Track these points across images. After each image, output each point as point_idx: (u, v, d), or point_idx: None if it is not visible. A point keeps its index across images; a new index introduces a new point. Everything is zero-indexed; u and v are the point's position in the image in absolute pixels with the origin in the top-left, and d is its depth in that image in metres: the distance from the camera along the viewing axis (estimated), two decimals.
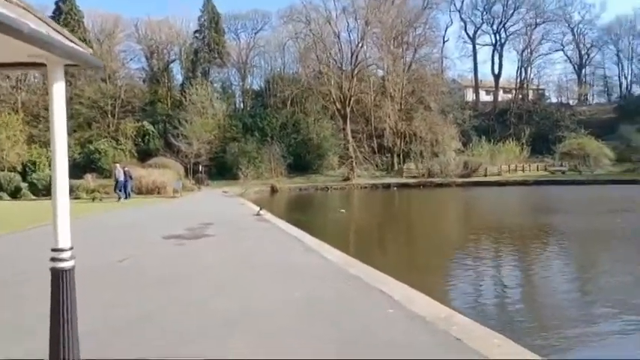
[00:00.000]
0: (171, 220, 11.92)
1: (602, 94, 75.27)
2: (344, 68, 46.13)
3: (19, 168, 37.40)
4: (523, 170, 45.52)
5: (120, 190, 20.07)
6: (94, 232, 9.73)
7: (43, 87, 48.07)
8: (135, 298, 4.36)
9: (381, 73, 50.51)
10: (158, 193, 23.27)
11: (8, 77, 43.52)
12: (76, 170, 38.38)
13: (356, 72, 45.42)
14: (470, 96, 71.43)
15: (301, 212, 19.41)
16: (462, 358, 2.94)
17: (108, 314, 3.86)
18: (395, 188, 36.62)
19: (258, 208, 13.00)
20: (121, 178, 20.26)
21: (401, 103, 47.29)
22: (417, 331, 3.45)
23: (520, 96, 67.60)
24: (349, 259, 6.04)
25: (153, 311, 3.94)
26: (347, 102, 44.90)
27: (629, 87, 68.20)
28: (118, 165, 21.37)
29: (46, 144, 43.96)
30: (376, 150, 49.55)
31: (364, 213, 20.19)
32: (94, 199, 20.17)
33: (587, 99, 73.16)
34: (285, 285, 4.76)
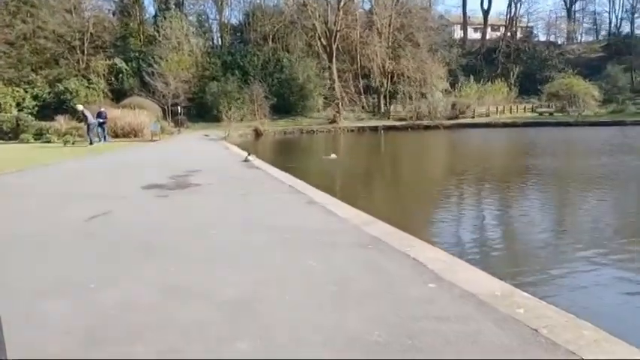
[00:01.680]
0: (151, 167, 10.86)
1: (590, 32, 73.92)
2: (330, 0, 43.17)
3: None
4: (511, 111, 44.95)
5: (89, 134, 18.47)
6: (60, 183, 8.67)
7: (2, 19, 44.04)
8: (100, 274, 3.44)
9: (368, 6, 47.73)
10: (134, 136, 21.79)
11: None
12: (47, 111, 36.07)
13: (342, 4, 42.57)
14: (457, 33, 69.33)
15: (290, 157, 18.48)
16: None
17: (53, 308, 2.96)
18: (382, 131, 35.72)
19: (247, 154, 11.98)
20: (92, 120, 18.61)
21: (389, 39, 45.02)
22: (478, 318, 2.68)
23: (509, 34, 65.79)
24: (363, 216, 5.21)
25: (118, 301, 3.05)
26: (333, 38, 42.50)
27: (618, 24, 66.77)
28: (80, 106, 19.41)
29: (11, 82, 41.04)
30: (362, 91, 47.95)
31: (355, 158, 19.26)
32: (65, 142, 18.68)
33: (575, 37, 71.81)
34: (296, 252, 3.92)
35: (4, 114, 25.90)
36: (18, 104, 39.58)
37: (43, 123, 23.99)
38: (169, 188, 7.57)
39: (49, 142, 19.68)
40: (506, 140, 26.75)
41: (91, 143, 17.91)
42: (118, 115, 22.67)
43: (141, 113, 23.68)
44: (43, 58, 44.39)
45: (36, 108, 39.91)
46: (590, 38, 71.93)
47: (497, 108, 44.16)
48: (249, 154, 11.89)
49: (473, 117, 41.86)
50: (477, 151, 20.76)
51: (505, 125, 36.51)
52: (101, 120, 19.55)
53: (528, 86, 55.90)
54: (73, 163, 12.16)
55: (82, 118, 18.56)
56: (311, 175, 10.96)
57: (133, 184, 7.95)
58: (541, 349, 2.35)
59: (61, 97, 40.56)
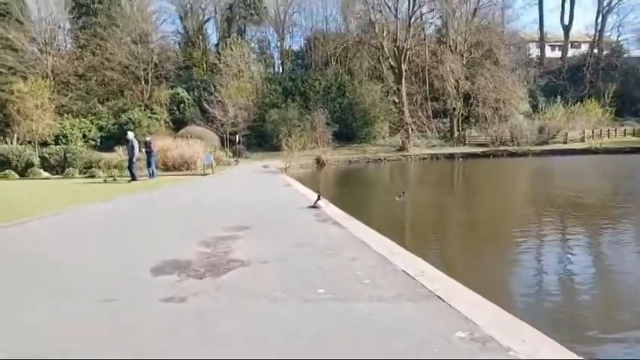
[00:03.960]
0: (184, 219, 7.84)
1: None
2: (399, 16, 39.67)
3: (51, 140, 35.18)
4: (609, 135, 38.73)
5: (132, 168, 16.11)
6: (26, 250, 5.77)
7: (73, 51, 45.42)
8: None
9: (439, 22, 43.91)
10: (187, 168, 19.46)
11: (34, 39, 40.81)
12: (111, 142, 35.48)
13: (413, 20, 39.08)
14: (533, 52, 63.91)
15: (362, 195, 15.09)
16: None
17: None
18: (460, 159, 31.44)
19: (316, 197, 8.72)
20: (136, 153, 16.25)
21: (465, 56, 40.64)
22: None
23: (595, 50, 59.27)
24: None
25: None
26: (403, 57, 38.98)
27: None
28: (130, 133, 17.20)
29: (79, 113, 41.56)
30: (430, 115, 43.97)
31: (440, 197, 15.33)
32: (105, 179, 16.56)
33: None
34: None
35: (51, 146, 24.83)
36: (84, 135, 39.86)
37: (95, 154, 22.56)
38: (195, 274, 4.37)
39: (93, 176, 17.78)
40: (626, 170, 21.57)
41: (133, 179, 15.58)
42: (169, 145, 20.52)
43: (195, 143, 21.44)
44: (109, 90, 45.04)
45: (100, 139, 40.03)
46: None
47: (592, 132, 38.12)
48: (319, 198, 8.62)
49: (565, 142, 36.33)
50: (602, 187, 16.06)
51: (609, 152, 30.84)
52: (145, 150, 17.36)
53: (622, 107, 49.32)
54: (81, 211, 9.27)
55: (128, 148, 16.33)
56: (399, 229, 7.41)
57: (138, 261, 4.88)
58: None
59: (124, 127, 40.39)
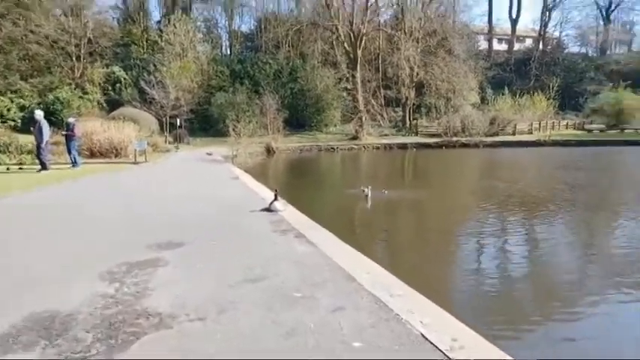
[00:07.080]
0: (85, 235, 5.61)
1: (622, 43, 69.37)
2: None
3: None
4: (553, 128, 39.52)
5: (40, 155, 13.29)
6: None
7: None
8: None
9: (396, 6, 42.58)
10: (115, 155, 16.81)
11: None
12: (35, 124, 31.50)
13: (369, 4, 37.41)
14: (482, 44, 65.23)
15: (326, 193, 13.46)
16: None
17: None
18: (414, 149, 30.65)
19: (273, 195, 6.97)
20: (45, 137, 13.43)
21: (419, 43, 39.52)
22: None
23: (540, 45, 61.26)
24: None
25: None
26: (358, 42, 37.33)
27: None
28: (38, 112, 14.23)
29: None
30: (383, 104, 43.01)
31: (410, 191, 14.05)
32: (9, 167, 13.67)
33: (608, 48, 66.96)
34: None
35: None
36: (1, 115, 35.26)
37: (5, 137, 19.14)
38: (73, 348, 2.55)
39: None
40: (579, 163, 21.43)
41: (43, 168, 12.87)
42: (96, 128, 17.67)
43: (128, 126, 18.68)
44: (33, 65, 40.03)
45: (21, 119, 35.57)
46: (622, 50, 67.48)
47: (539, 124, 38.72)
48: (275, 197, 6.88)
49: (513, 133, 36.63)
50: (569, 183, 15.42)
51: (557, 144, 31.29)
52: (66, 134, 14.60)
53: (563, 101, 51.10)
54: None
55: (35, 131, 13.45)
56: (376, 240, 5.87)
57: None
58: None
59: (51, 107, 36.14)
